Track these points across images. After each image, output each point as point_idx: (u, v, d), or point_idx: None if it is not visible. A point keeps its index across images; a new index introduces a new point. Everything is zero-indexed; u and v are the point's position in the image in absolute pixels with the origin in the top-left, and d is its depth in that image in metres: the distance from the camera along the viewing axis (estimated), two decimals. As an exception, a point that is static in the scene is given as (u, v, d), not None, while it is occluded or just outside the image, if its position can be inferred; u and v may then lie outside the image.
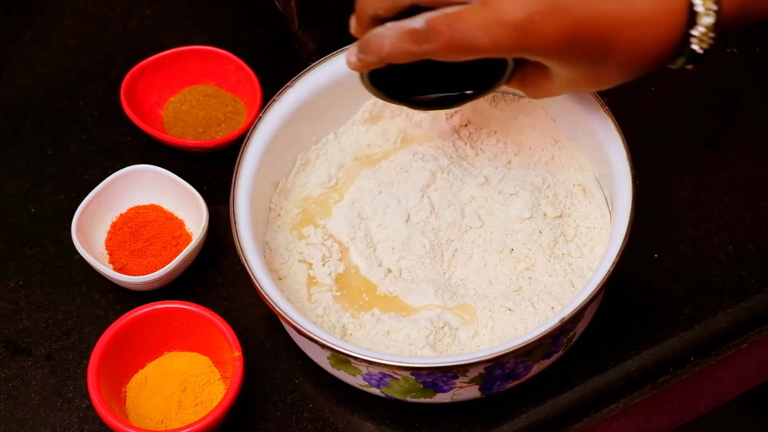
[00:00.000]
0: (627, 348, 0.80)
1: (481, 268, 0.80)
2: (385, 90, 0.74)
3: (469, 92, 0.76)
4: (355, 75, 0.84)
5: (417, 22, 0.66)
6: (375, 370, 0.74)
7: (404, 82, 0.75)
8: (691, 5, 0.65)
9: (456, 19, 0.65)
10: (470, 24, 0.65)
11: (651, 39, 0.66)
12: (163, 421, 0.77)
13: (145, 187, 0.87)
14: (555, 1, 0.64)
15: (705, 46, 0.66)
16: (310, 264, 0.81)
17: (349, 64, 0.71)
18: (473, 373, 0.73)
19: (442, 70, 0.72)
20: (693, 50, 0.66)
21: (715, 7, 0.65)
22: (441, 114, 0.88)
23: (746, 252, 0.84)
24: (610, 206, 0.80)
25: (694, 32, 0.65)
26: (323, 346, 0.72)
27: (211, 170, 0.91)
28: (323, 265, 0.81)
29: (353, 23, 0.71)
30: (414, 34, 0.67)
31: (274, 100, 0.82)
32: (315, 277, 0.80)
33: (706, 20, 0.65)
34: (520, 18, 0.64)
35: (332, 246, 0.81)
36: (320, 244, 0.81)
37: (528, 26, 0.64)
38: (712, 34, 0.65)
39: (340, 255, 0.81)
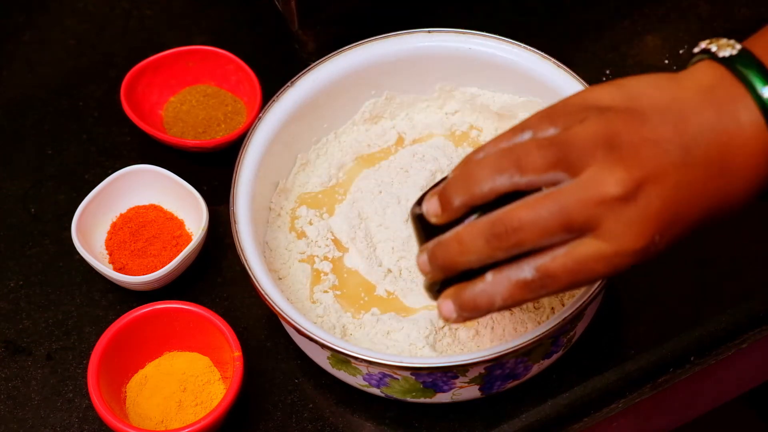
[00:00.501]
0: (627, 348, 0.80)
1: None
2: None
3: None
4: (355, 75, 0.84)
5: (525, 271, 0.60)
6: (375, 370, 0.74)
7: None
8: None
9: (573, 261, 0.60)
10: (588, 262, 0.60)
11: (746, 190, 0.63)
12: (163, 421, 0.77)
13: (145, 187, 0.87)
14: (673, 214, 0.60)
15: None
16: (311, 263, 0.81)
17: (447, 320, 0.63)
18: (473, 373, 0.73)
19: None
20: None
21: None
22: (441, 114, 0.88)
23: (746, 252, 0.84)
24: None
25: None
26: (323, 346, 0.72)
27: (211, 170, 0.91)
28: (323, 263, 0.81)
29: (435, 207, 0.63)
30: (528, 285, 0.61)
31: (274, 100, 0.82)
32: (317, 275, 0.80)
33: None
34: (643, 246, 0.61)
35: (332, 245, 0.82)
36: (320, 244, 0.82)
37: (650, 249, 0.61)
38: None
39: (340, 255, 0.81)
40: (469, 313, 0.62)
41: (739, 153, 0.61)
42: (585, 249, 0.60)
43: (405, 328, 0.77)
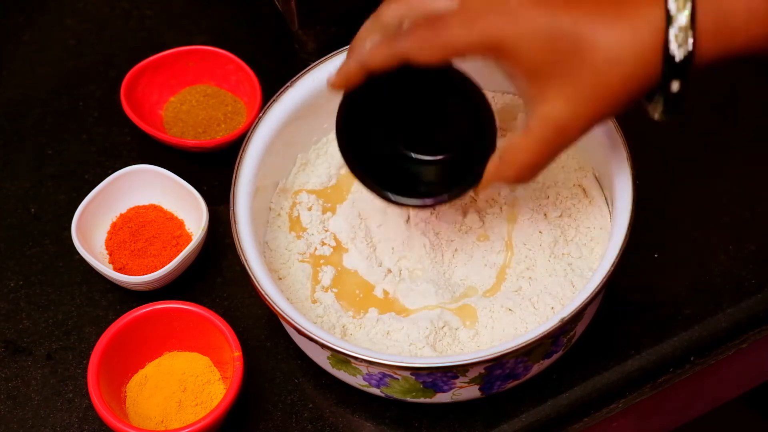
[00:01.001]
0: (627, 348, 0.80)
1: (482, 268, 0.80)
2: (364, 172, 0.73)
3: (442, 196, 0.73)
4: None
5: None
6: (375, 370, 0.74)
7: (381, 177, 0.73)
8: (666, 49, 0.63)
9: (437, 18, 0.67)
10: (448, 21, 0.66)
11: (624, 67, 0.64)
12: (163, 421, 0.77)
13: (145, 187, 0.87)
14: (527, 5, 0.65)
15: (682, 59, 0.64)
16: (311, 263, 0.81)
17: (328, 81, 0.72)
18: (473, 373, 0.73)
19: (420, 171, 0.72)
20: (670, 91, 0.65)
21: (690, 41, 0.63)
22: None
23: (746, 252, 0.84)
24: (610, 206, 0.80)
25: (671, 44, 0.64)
26: (323, 346, 0.72)
27: (211, 170, 0.91)
28: (323, 264, 0.81)
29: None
30: (396, 35, 0.68)
31: (274, 100, 0.82)
32: (317, 275, 0.80)
33: (680, 53, 0.63)
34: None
35: (332, 246, 0.82)
36: (320, 244, 0.82)
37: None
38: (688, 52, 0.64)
39: (340, 255, 0.81)
40: (344, 63, 0.72)
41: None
42: (448, 12, 0.67)
43: (405, 328, 0.77)
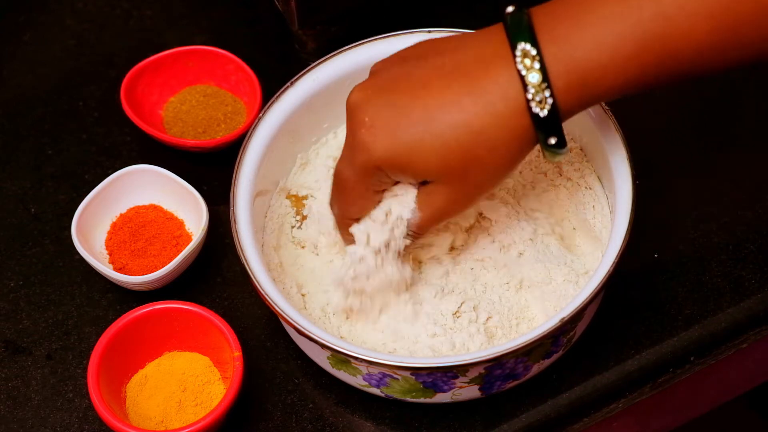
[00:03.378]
0: (627, 348, 0.80)
1: (481, 267, 0.79)
2: None
3: None
4: (355, 75, 0.84)
5: None
6: (375, 370, 0.74)
7: None
8: (528, 102, 0.66)
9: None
10: (340, 167, 0.72)
11: (490, 141, 0.67)
12: (163, 421, 0.77)
13: (145, 187, 0.87)
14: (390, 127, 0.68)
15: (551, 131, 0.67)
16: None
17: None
18: (473, 373, 0.73)
19: None
20: (547, 143, 0.67)
21: (550, 101, 0.65)
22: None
23: (746, 252, 0.84)
24: (610, 206, 0.80)
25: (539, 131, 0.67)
26: (323, 346, 0.72)
27: (211, 170, 0.91)
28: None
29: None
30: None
31: (274, 100, 0.82)
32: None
33: (543, 111, 0.66)
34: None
35: (331, 246, 0.82)
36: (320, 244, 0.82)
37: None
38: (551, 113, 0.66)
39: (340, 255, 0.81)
40: None
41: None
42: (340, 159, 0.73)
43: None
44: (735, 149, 0.90)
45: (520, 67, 0.65)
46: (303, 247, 0.82)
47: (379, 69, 0.71)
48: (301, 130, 0.84)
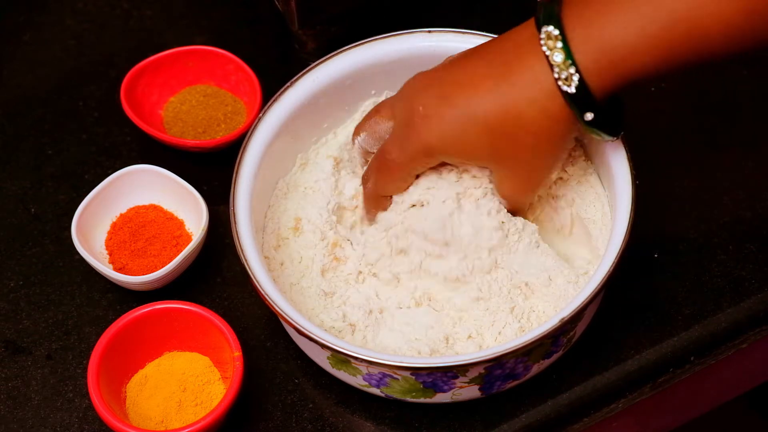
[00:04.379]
0: (627, 348, 0.80)
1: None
2: None
3: None
4: (355, 75, 0.84)
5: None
6: (375, 370, 0.74)
7: None
8: (555, 81, 0.68)
9: (380, 151, 0.77)
10: (388, 151, 0.76)
11: (533, 125, 0.70)
12: (163, 421, 0.77)
13: (145, 187, 0.87)
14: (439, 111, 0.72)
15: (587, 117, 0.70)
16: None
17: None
18: (473, 373, 0.73)
19: None
20: (584, 119, 0.70)
21: (576, 78, 0.68)
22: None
23: (746, 252, 0.84)
24: (610, 206, 0.80)
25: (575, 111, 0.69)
26: (323, 346, 0.72)
27: (211, 170, 0.91)
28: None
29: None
30: (364, 180, 0.79)
31: (274, 100, 0.82)
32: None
33: (571, 87, 0.68)
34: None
35: (331, 246, 0.82)
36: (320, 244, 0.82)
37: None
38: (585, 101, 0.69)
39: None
40: None
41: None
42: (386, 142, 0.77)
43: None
44: (735, 149, 0.90)
45: (544, 48, 0.68)
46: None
47: (446, 62, 0.76)
48: (301, 130, 0.84)
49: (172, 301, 0.79)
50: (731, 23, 0.65)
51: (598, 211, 0.81)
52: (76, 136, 0.94)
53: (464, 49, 0.76)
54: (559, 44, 0.68)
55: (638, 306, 0.82)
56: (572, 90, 0.68)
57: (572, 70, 0.68)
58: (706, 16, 0.65)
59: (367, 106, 0.86)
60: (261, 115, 0.82)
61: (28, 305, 0.85)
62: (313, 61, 0.84)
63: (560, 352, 0.77)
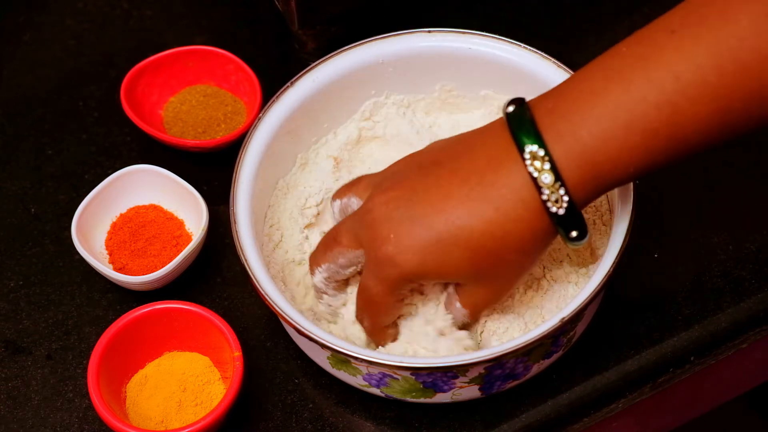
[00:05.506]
0: (627, 348, 0.80)
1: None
2: None
3: None
4: (355, 75, 0.84)
5: None
6: (375, 370, 0.74)
7: None
8: (544, 203, 0.67)
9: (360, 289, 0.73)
10: (367, 283, 0.72)
11: (513, 241, 0.68)
12: (163, 421, 0.77)
13: (145, 187, 0.87)
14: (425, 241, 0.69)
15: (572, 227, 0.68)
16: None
17: None
18: (473, 373, 0.73)
19: None
20: (569, 237, 0.68)
21: (566, 199, 0.66)
22: (440, 117, 0.88)
23: (746, 252, 0.84)
24: (610, 206, 0.80)
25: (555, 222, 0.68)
26: (323, 346, 0.72)
27: (211, 170, 0.91)
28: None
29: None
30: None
31: (274, 100, 0.82)
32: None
33: (561, 209, 0.67)
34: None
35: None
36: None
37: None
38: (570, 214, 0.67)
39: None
40: None
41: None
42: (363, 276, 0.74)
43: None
44: (735, 149, 0.90)
45: (531, 169, 0.66)
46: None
47: (396, 175, 0.72)
48: (301, 130, 0.84)
49: (172, 301, 0.79)
50: (709, 123, 0.64)
51: (598, 211, 0.81)
52: (76, 136, 0.94)
53: (410, 154, 0.73)
54: (547, 165, 0.65)
55: (638, 306, 0.82)
56: (562, 212, 0.66)
57: (562, 191, 0.66)
58: (684, 120, 0.64)
59: (367, 106, 0.86)
60: (261, 115, 0.82)
61: (28, 305, 0.85)
62: (313, 61, 0.84)
63: (560, 352, 0.77)
